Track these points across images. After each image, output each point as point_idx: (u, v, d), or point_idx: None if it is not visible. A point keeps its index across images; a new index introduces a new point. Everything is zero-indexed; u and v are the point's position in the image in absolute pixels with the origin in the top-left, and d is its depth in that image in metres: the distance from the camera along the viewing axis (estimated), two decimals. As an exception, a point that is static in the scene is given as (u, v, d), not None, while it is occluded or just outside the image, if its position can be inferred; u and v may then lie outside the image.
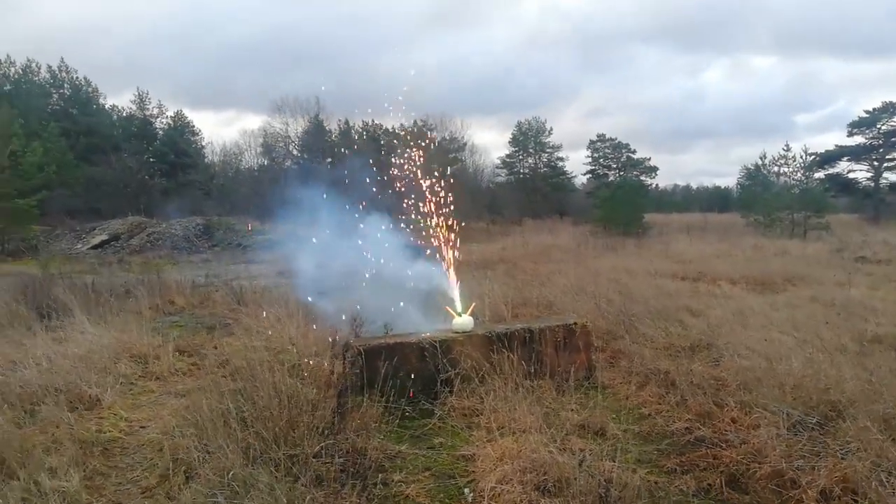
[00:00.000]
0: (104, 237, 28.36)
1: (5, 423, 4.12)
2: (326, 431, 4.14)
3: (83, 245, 28.01)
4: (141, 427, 4.81)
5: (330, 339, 5.40)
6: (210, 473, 3.39)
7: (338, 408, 4.52)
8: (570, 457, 3.67)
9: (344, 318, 6.23)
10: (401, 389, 5.13)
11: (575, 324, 6.11)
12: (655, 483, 3.73)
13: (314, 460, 3.73)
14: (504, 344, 5.63)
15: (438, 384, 5.39)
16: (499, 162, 55.56)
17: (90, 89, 44.77)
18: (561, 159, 54.16)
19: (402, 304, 6.62)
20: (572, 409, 4.86)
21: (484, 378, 5.29)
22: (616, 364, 6.45)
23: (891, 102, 41.17)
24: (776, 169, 33.32)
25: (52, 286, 9.80)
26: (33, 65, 43.24)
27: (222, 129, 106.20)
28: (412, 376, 5.35)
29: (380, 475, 3.85)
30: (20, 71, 42.68)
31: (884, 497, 3.06)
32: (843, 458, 3.58)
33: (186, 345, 7.42)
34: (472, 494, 3.63)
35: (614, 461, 3.58)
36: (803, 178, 30.94)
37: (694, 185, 77.64)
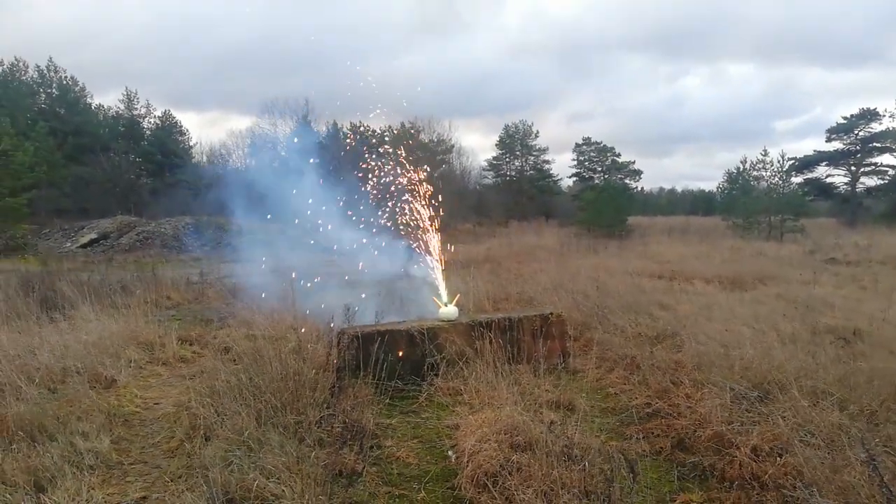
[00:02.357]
0: (93, 236, 28.55)
1: (37, 397, 4.59)
2: (325, 405, 4.66)
3: (72, 244, 28.19)
4: (155, 403, 5.30)
5: (328, 326, 5.89)
6: (228, 433, 3.90)
7: (335, 384, 5.04)
8: (541, 424, 4.21)
9: (337, 309, 6.73)
10: (391, 371, 5.64)
11: (551, 314, 6.66)
12: (614, 445, 4.28)
13: (316, 428, 4.25)
14: (486, 331, 6.16)
15: (425, 367, 5.92)
16: (485, 164, 56.19)
17: (77, 89, 44.77)
18: (547, 162, 54.89)
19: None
20: (546, 390, 5.38)
21: (467, 362, 5.82)
22: (588, 351, 6.99)
23: (867, 109, 42.28)
24: (755, 173, 34.23)
25: (54, 281, 10.20)
26: (21, 63, 43.18)
27: (205, 130, 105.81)
28: (401, 360, 5.87)
29: (374, 441, 4.37)
30: (7, 70, 42.58)
31: (801, 451, 3.61)
32: (774, 424, 4.15)
33: (188, 335, 7.90)
34: (455, 455, 4.16)
35: (579, 428, 4.12)
36: (780, 182, 31.83)
37: (679, 189, 78.78)
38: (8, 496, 3.28)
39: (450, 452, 4.28)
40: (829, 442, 3.77)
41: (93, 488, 3.56)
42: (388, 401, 5.37)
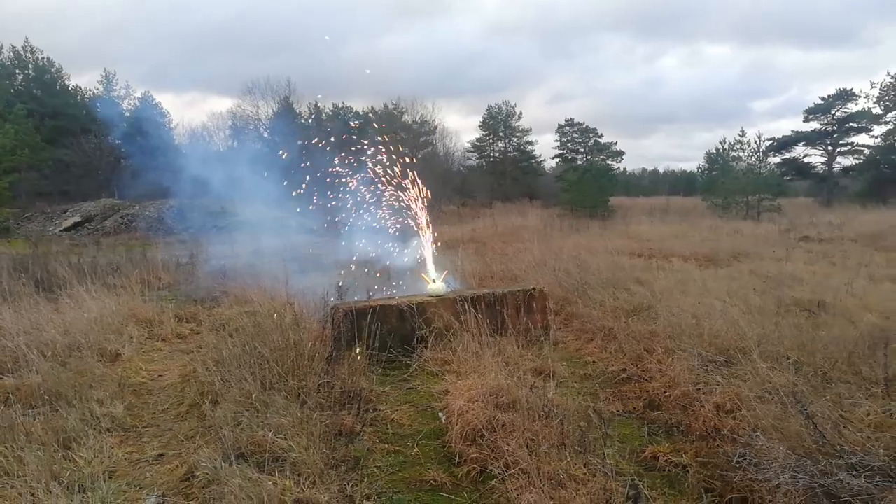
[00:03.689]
0: (77, 219, 28.44)
1: (50, 369, 4.87)
2: (323, 373, 4.99)
3: (55, 227, 28.06)
4: (159, 375, 5.60)
5: (322, 302, 6.20)
6: (236, 396, 4.22)
7: (331, 355, 5.36)
8: (524, 387, 4.57)
9: (328, 288, 7.05)
10: (383, 344, 5.97)
11: (534, 289, 7.01)
12: (590, 406, 4.66)
13: (316, 393, 4.58)
14: (472, 306, 6.50)
15: (415, 340, 6.26)
16: (469, 145, 56.28)
17: (54, 70, 44.02)
18: (530, 143, 55.07)
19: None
20: (529, 359, 5.75)
21: (455, 334, 6.17)
22: (569, 324, 7.40)
23: (844, 90, 42.87)
24: (734, 154, 34.77)
25: (48, 262, 10.36)
26: (-5, 44, 42.35)
27: (184, 112, 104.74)
28: (393, 333, 6.21)
29: (369, 405, 4.72)
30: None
31: (758, 407, 4.01)
32: (735, 384, 4.55)
33: (183, 313, 8.16)
34: (445, 417, 4.52)
35: (558, 391, 4.50)
36: (757, 162, 32.41)
37: (661, 170, 79.49)
38: (40, 453, 3.58)
39: (440, 414, 4.65)
40: (782, 399, 4.17)
41: (113, 447, 3.88)
42: (380, 370, 5.72)
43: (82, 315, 6.83)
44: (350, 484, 3.48)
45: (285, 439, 3.65)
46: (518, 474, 3.32)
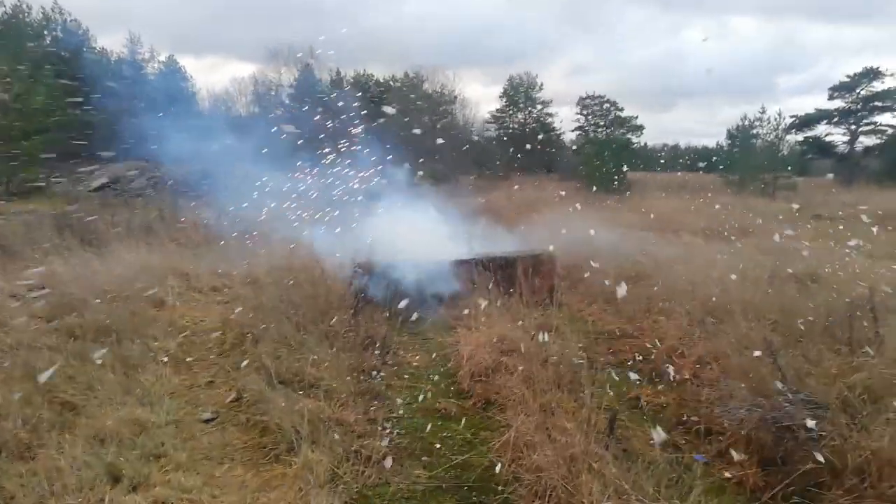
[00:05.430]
0: (104, 180, 29.23)
1: (108, 311, 5.52)
2: (348, 321, 5.58)
3: (84, 188, 28.93)
4: (201, 320, 6.23)
5: (348, 261, 6.77)
6: (274, 336, 4.84)
7: (355, 307, 5.95)
8: (526, 336, 5.13)
9: (353, 246, 7.60)
10: (401, 299, 6.53)
11: (542, 253, 7.53)
12: (586, 356, 5.21)
13: (343, 337, 5.18)
14: (484, 268, 7.03)
15: (432, 297, 6.83)
16: (489, 116, 56.14)
17: (81, 32, 44.65)
18: (550, 115, 54.81)
19: None
20: (535, 317, 6.29)
21: (468, 293, 6.72)
22: (575, 289, 7.92)
23: (871, 68, 42.12)
24: (753, 131, 34.62)
25: (88, 220, 11.05)
26: (24, 5, 42.94)
27: (205, 76, 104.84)
28: (411, 290, 6.77)
29: (389, 349, 5.32)
30: (10, 12, 42.42)
31: (733, 357, 4.54)
32: (718, 340, 5.07)
33: (216, 269, 8.79)
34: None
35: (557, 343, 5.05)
36: (775, 139, 32.32)
37: (683, 145, 78.71)
38: (111, 375, 4.23)
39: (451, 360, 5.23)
40: (756, 350, 4.69)
41: (169, 375, 4.51)
42: (398, 324, 6.30)
43: (127, 266, 7.48)
44: (373, 409, 4.08)
45: (318, 371, 4.26)
46: (515, 403, 3.90)
